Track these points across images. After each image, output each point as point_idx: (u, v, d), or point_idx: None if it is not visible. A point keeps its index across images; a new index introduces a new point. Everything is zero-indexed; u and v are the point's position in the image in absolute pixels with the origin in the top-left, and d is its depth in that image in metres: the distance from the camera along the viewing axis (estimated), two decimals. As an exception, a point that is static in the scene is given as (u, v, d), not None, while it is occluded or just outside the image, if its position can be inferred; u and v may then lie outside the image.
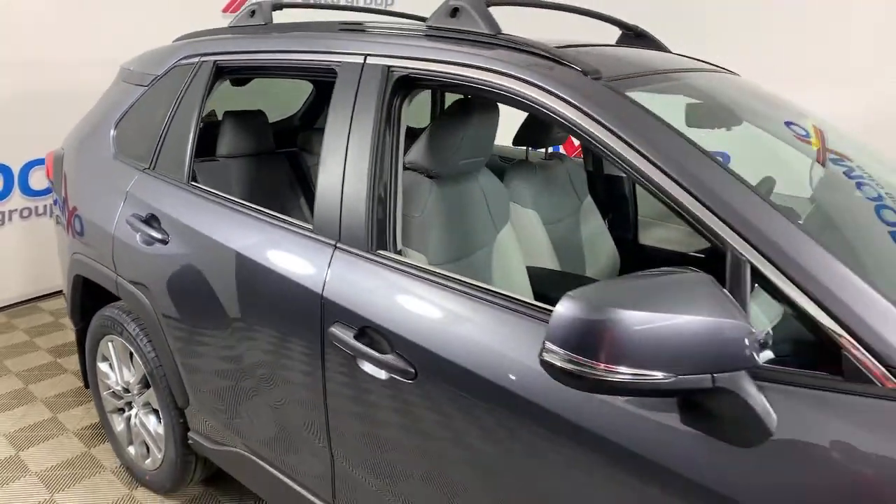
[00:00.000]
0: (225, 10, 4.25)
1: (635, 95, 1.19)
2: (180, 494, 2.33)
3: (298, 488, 1.67)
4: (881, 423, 0.84)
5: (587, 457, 1.05)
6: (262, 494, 1.86)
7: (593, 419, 1.03)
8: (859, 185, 1.55)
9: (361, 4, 4.63)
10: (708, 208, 1.00)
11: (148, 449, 2.29)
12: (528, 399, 1.11)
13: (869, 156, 1.66)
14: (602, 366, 0.82)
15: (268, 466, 1.76)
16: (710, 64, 1.96)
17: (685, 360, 0.83)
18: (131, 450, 2.38)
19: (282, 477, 1.72)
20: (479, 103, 1.65)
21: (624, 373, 0.82)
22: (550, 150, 2.49)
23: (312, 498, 1.63)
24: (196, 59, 2.05)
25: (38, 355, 3.37)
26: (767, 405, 0.88)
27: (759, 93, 1.78)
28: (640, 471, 0.99)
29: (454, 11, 1.44)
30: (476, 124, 1.66)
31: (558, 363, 0.84)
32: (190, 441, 2.06)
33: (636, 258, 2.53)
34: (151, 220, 1.96)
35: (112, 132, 2.29)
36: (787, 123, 1.74)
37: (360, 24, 1.69)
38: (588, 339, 0.82)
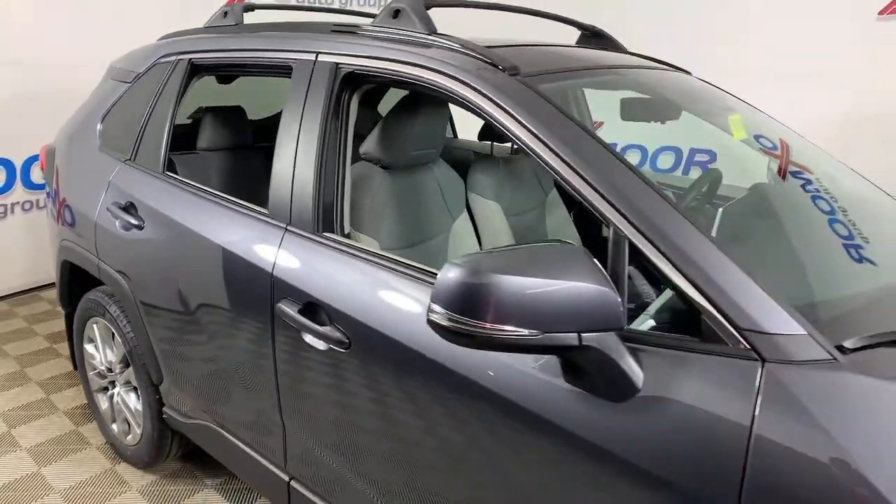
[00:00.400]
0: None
1: (548, 89, 1.29)
2: (160, 469, 2.46)
3: (256, 455, 1.79)
4: (730, 378, 0.94)
5: (492, 414, 1.15)
6: (226, 463, 1.99)
7: (497, 381, 1.14)
8: (815, 199, 1.60)
9: (337, 6, 4.74)
10: (595, 189, 1.10)
11: (129, 425, 2.42)
12: (443, 364, 1.22)
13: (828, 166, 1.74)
14: (479, 324, 0.93)
15: (230, 437, 1.88)
16: (661, 62, 2.05)
17: (554, 319, 0.94)
18: (114, 427, 2.52)
19: (242, 446, 1.84)
20: (426, 99, 1.76)
21: (498, 330, 0.93)
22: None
23: (267, 464, 1.75)
24: (173, 58, 2.18)
25: (35, 341, 3.52)
26: (634, 364, 0.99)
27: (696, 88, 1.88)
28: (533, 425, 1.09)
29: (396, 13, 1.56)
30: (424, 118, 1.77)
31: (442, 322, 0.95)
32: (164, 416, 2.18)
33: (601, 250, 2.63)
34: (129, 207, 2.09)
35: (99, 126, 2.43)
36: (757, 137, 1.83)
37: (315, 23, 1.81)
38: (467, 301, 0.93)
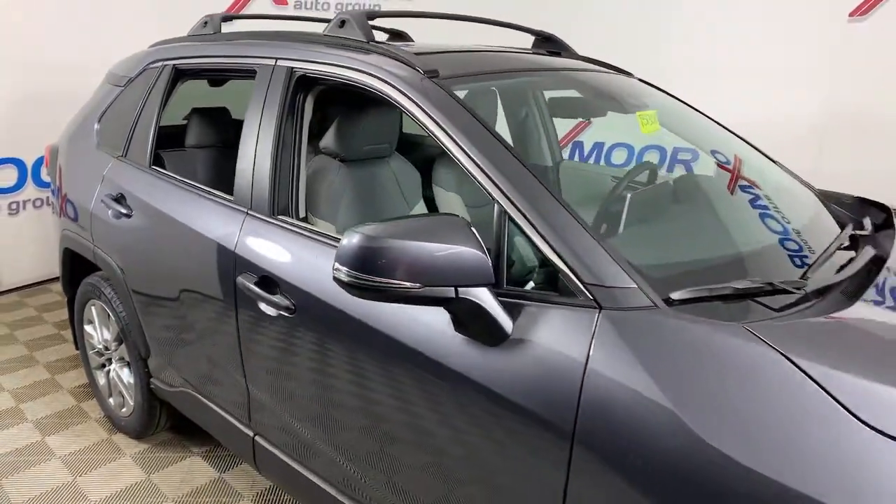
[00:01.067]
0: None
1: (460, 90, 1.51)
2: (151, 439, 2.70)
3: (226, 416, 2.02)
4: (575, 324, 1.14)
5: (401, 360, 1.37)
6: (203, 425, 2.22)
7: (405, 333, 1.36)
8: (763, 217, 1.77)
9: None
10: (483, 172, 1.32)
11: (123, 398, 2.67)
12: (363, 322, 1.44)
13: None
14: (373, 279, 1.15)
15: (206, 401, 2.12)
16: (604, 65, 2.26)
17: (435, 276, 1.15)
18: (111, 401, 2.76)
19: (215, 408, 2.07)
20: (375, 99, 1.98)
21: (388, 283, 1.14)
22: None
23: (234, 422, 1.98)
24: (160, 64, 2.43)
25: (44, 328, 3.79)
26: (503, 314, 1.20)
27: (626, 87, 2.08)
28: (433, 368, 1.31)
29: (342, 23, 1.79)
30: (375, 116, 2.00)
31: (344, 279, 1.17)
32: (152, 387, 2.42)
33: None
34: (120, 198, 2.34)
35: (96, 126, 2.68)
36: (713, 152, 2.03)
37: (277, 32, 2.04)
38: (363, 260, 1.15)
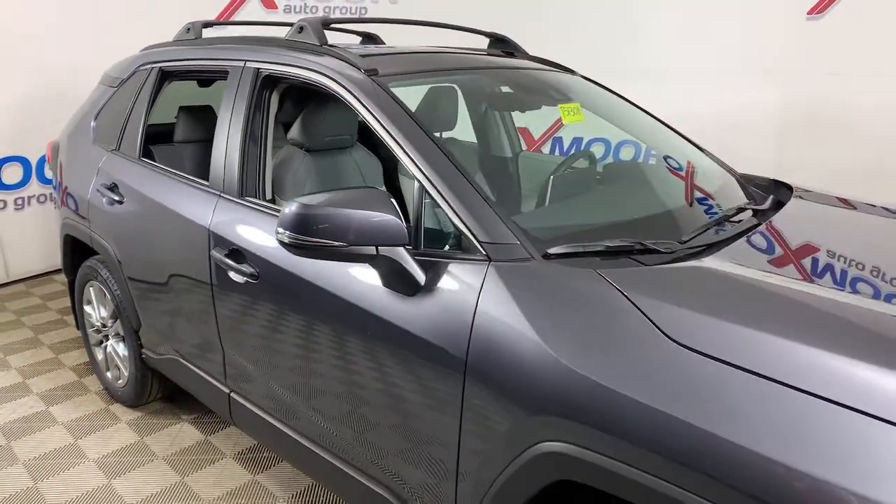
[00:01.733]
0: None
1: (395, 86, 1.77)
2: (145, 408, 2.98)
3: (206, 376, 2.29)
4: (472, 274, 1.40)
5: (341, 312, 1.63)
6: (186, 387, 2.49)
7: (344, 290, 1.62)
8: (665, 192, 2.01)
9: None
10: (407, 155, 1.58)
11: (119, 370, 2.94)
12: (316, 284, 1.70)
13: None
14: (308, 239, 1.41)
15: (189, 364, 2.39)
16: (550, 64, 2.51)
17: (359, 237, 1.41)
18: (109, 374, 3.04)
19: (196, 370, 2.34)
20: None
21: (319, 243, 1.41)
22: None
23: (213, 381, 2.25)
24: (149, 66, 2.70)
25: (48, 314, 4.08)
26: (417, 268, 1.46)
27: (563, 83, 2.34)
28: (365, 317, 1.57)
29: (301, 29, 2.05)
30: (335, 111, 2.26)
31: (284, 240, 1.43)
32: (143, 356, 2.69)
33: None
34: (113, 187, 2.61)
35: (93, 123, 2.95)
36: (665, 157, 2.28)
37: (246, 37, 2.31)
38: (300, 224, 1.41)
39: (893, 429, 0.93)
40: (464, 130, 2.68)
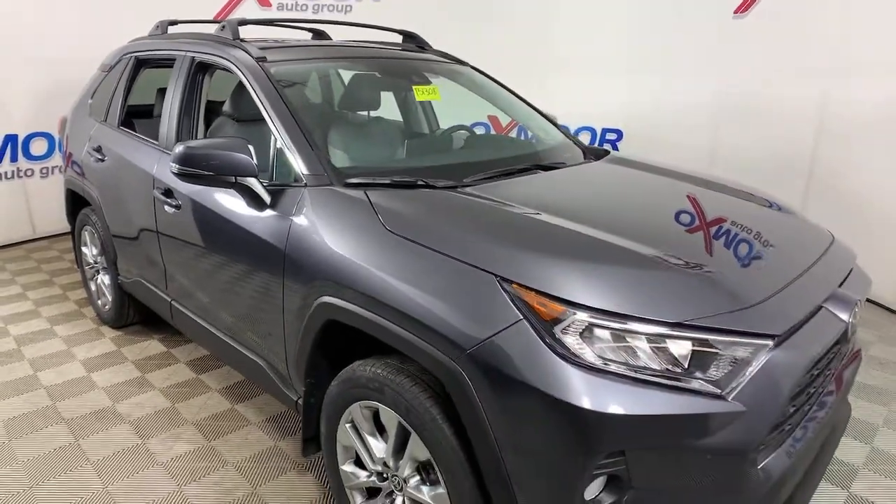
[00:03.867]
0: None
1: (278, 70, 2.45)
2: (126, 330, 3.74)
3: (155, 290, 3.03)
4: (296, 197, 2.07)
5: (225, 226, 2.32)
6: (145, 301, 3.24)
7: (227, 211, 2.30)
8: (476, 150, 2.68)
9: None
10: (269, 117, 2.25)
11: (105, 298, 3.71)
12: (211, 209, 2.39)
13: None
14: (191, 168, 2.10)
15: (146, 283, 3.12)
16: (447, 56, 3.17)
17: (222, 168, 2.09)
18: (99, 302, 3.81)
19: (150, 286, 3.08)
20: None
21: (197, 171, 2.09)
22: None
23: (160, 293, 2.98)
24: (129, 55, 3.44)
25: (62, 263, 4.93)
26: (265, 192, 2.12)
27: (437, 70, 3.01)
28: (237, 228, 2.25)
29: (223, 27, 2.75)
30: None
31: (175, 171, 2.12)
32: (119, 282, 3.45)
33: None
34: (98, 148, 3.36)
35: (89, 101, 3.72)
36: (520, 130, 2.93)
37: (190, 33, 3.02)
38: (184, 158, 2.09)
39: (488, 275, 1.55)
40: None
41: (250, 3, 6.22)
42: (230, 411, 2.90)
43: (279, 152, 2.22)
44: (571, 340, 1.43)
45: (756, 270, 1.73)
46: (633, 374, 1.40)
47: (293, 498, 2.34)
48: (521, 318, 1.46)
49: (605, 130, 6.43)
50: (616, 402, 1.36)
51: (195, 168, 2.10)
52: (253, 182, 2.14)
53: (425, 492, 1.75)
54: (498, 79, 3.30)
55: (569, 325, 1.44)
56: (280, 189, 2.15)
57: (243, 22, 2.76)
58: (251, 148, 2.14)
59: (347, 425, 1.94)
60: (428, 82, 2.88)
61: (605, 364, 1.41)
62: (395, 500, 1.89)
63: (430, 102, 3.60)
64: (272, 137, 2.24)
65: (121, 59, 3.53)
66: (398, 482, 1.84)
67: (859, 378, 3.26)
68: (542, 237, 1.72)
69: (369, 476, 1.94)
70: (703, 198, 2.22)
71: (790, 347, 1.51)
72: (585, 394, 1.37)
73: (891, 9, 4.05)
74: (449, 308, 1.56)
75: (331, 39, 3.72)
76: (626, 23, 5.84)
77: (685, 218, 2.04)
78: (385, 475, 1.89)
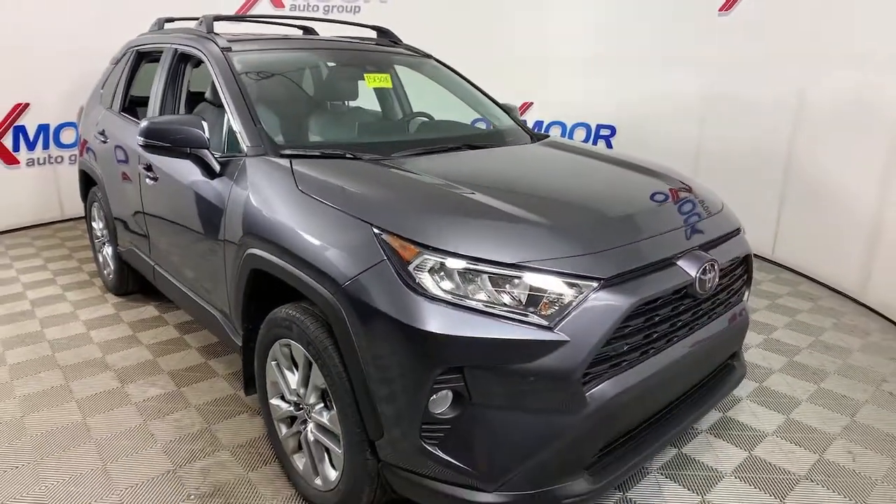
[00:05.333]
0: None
1: (240, 58, 2.78)
2: (128, 297, 4.14)
3: (142, 255, 3.41)
4: (239, 165, 2.39)
5: (189, 192, 2.66)
6: (137, 267, 3.62)
7: (190, 180, 2.64)
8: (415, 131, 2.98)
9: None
10: (226, 101, 2.58)
11: (109, 267, 4.12)
12: (178, 179, 2.74)
13: None
14: (154, 141, 2.44)
15: (136, 249, 3.51)
16: (413, 50, 3.47)
17: (177, 139, 2.42)
18: (105, 272, 4.24)
19: (139, 252, 3.46)
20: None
21: (158, 143, 2.43)
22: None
23: (145, 258, 3.36)
24: (133, 49, 3.85)
25: (84, 241, 5.39)
26: (215, 162, 2.45)
27: (398, 61, 3.30)
28: (195, 194, 2.58)
29: (200, 22, 3.10)
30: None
31: (140, 143, 2.46)
32: (118, 252, 3.85)
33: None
34: (103, 132, 3.77)
35: (101, 91, 4.15)
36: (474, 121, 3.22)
37: (178, 28, 3.39)
38: (148, 133, 2.43)
39: (365, 224, 1.84)
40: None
41: (265, 3, 6.64)
42: (202, 365, 3.25)
43: (230, 129, 2.54)
44: (423, 276, 1.70)
45: (607, 228, 1.96)
46: (471, 305, 1.66)
47: (239, 434, 2.66)
48: (385, 258, 1.74)
49: (599, 126, 6.63)
50: (450, 325, 1.63)
51: (157, 140, 2.44)
52: (205, 153, 2.47)
53: (325, 416, 2.04)
54: (461, 72, 3.59)
55: (420, 264, 1.71)
56: (229, 160, 2.48)
57: (218, 18, 3.11)
58: (205, 124, 2.47)
59: (273, 363, 2.25)
60: (383, 72, 3.17)
61: (448, 296, 1.67)
62: (307, 426, 2.18)
63: (405, 93, 3.89)
64: (226, 116, 2.57)
65: (125, 52, 3.94)
66: (308, 410, 2.13)
67: (797, 358, 3.41)
68: (419, 196, 2.00)
69: (289, 406, 2.24)
70: (599, 171, 2.45)
71: (617, 291, 1.74)
72: (426, 318, 1.64)
73: (868, 4, 4.15)
74: (333, 252, 1.85)
75: (318, 35, 4.06)
76: (619, 24, 6.04)
77: (570, 185, 2.28)
78: (300, 405, 2.18)
